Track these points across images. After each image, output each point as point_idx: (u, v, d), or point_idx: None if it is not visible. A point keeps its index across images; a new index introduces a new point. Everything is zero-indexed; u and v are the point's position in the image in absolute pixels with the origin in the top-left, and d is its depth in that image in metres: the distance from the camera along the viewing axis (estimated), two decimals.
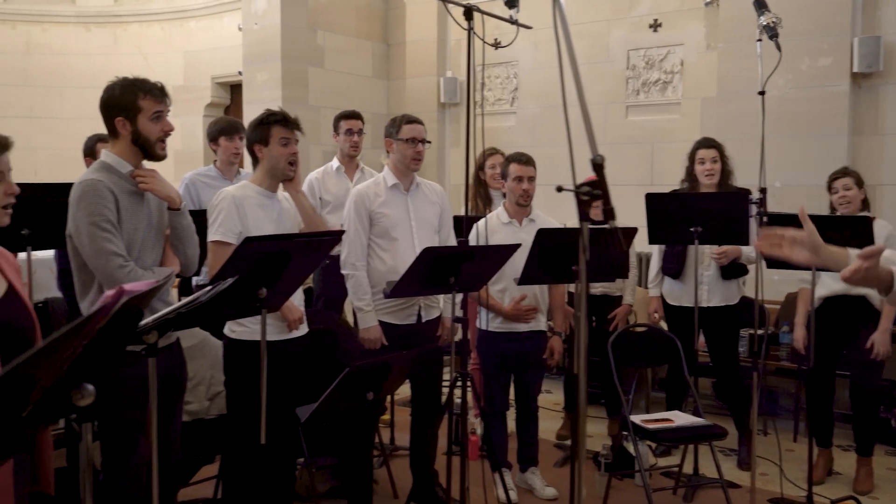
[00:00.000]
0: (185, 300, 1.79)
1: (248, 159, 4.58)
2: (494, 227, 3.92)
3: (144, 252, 2.63)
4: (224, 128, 4.46)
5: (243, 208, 3.07)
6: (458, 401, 4.70)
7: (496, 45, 3.84)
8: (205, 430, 3.50)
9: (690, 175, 4.47)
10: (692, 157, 4.46)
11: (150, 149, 2.62)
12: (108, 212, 2.49)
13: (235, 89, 8.26)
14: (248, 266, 2.35)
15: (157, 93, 2.61)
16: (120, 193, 2.55)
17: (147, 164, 2.70)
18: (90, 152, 4.36)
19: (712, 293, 4.42)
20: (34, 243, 3.28)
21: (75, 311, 3.54)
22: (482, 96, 3.30)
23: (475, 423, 4.73)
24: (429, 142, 3.67)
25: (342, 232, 3.00)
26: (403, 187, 3.63)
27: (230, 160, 4.48)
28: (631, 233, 3.72)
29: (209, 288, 1.91)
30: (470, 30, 3.00)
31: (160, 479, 2.03)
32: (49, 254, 3.81)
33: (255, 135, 3.16)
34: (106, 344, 1.23)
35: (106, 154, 2.65)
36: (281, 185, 3.24)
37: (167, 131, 2.63)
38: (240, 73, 7.33)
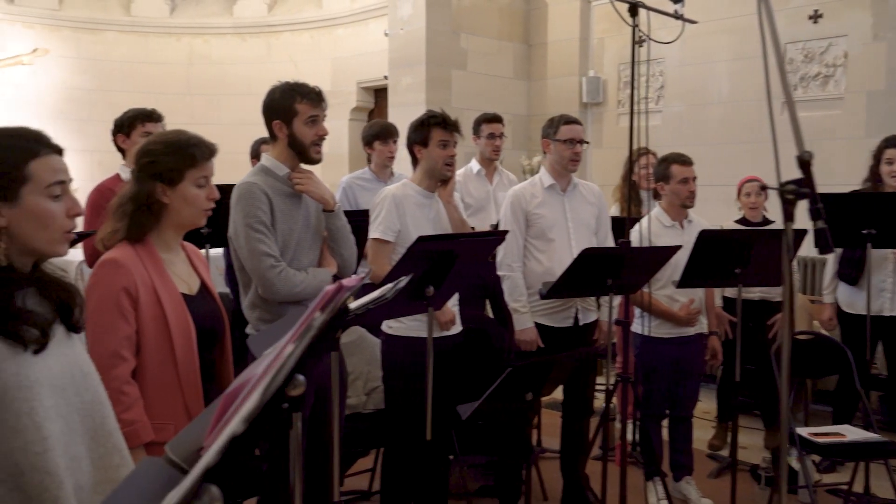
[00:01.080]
0: (370, 296, 1.84)
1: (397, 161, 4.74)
2: (657, 231, 3.80)
3: (300, 253, 2.70)
4: (379, 132, 4.57)
5: (403, 207, 3.15)
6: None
7: (641, 41, 3.74)
8: (362, 423, 3.60)
9: (874, 174, 4.17)
10: (878, 156, 4.17)
11: (304, 152, 2.69)
12: (261, 213, 2.57)
13: (380, 93, 8.49)
14: (420, 264, 2.40)
15: (314, 97, 2.68)
16: (275, 195, 2.63)
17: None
18: (256, 154, 4.59)
19: None
20: (212, 241, 3.48)
21: (239, 308, 3.74)
22: (640, 94, 3.19)
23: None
24: (587, 142, 3.62)
25: (506, 232, 3.01)
26: (560, 188, 3.60)
27: (384, 163, 4.58)
28: (801, 235, 3.53)
29: (390, 285, 1.96)
30: (635, 27, 2.93)
31: (320, 470, 2.10)
32: (219, 251, 4.04)
33: (415, 136, 3.22)
34: (321, 337, 1.28)
35: (265, 157, 2.75)
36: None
37: (321, 135, 2.69)
38: (385, 77, 7.52)
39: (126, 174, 3.55)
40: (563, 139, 3.53)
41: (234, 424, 0.57)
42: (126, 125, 3.60)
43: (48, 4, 8.44)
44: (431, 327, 2.60)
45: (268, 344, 1.88)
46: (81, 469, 1.47)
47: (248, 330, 2.71)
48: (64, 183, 1.47)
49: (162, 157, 2.04)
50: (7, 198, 1.41)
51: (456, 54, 7.32)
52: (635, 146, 3.43)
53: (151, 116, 3.64)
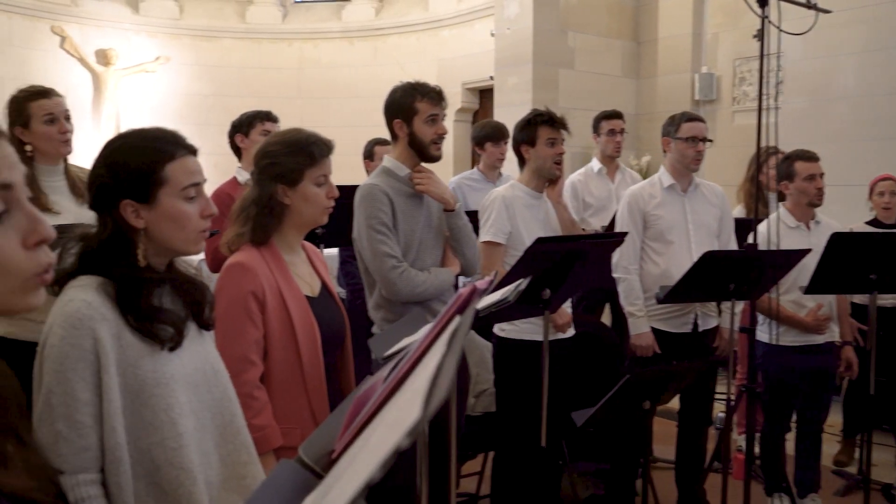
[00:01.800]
0: (492, 299, 1.80)
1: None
2: (781, 233, 3.60)
3: (423, 253, 2.69)
4: (490, 133, 4.54)
5: (512, 208, 3.11)
6: (721, 415, 4.44)
7: (762, 34, 3.55)
8: (470, 426, 3.57)
9: None
10: None
11: (424, 150, 2.68)
12: (382, 215, 2.58)
13: (484, 94, 8.46)
14: (538, 266, 2.34)
15: (434, 96, 2.68)
16: (396, 196, 2.63)
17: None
18: (369, 155, 4.66)
19: None
20: (327, 241, 3.53)
21: (353, 308, 3.78)
22: (761, 90, 3.02)
23: (739, 441, 4.42)
24: (710, 140, 3.46)
25: (625, 234, 2.92)
26: (681, 188, 3.46)
27: (494, 164, 4.56)
28: None
29: (510, 287, 1.91)
30: (764, 18, 2.78)
31: (437, 472, 2.06)
32: (333, 251, 4.10)
33: (521, 135, 3.18)
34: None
35: (386, 158, 2.77)
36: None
37: (441, 134, 2.69)
38: (491, 77, 7.48)
39: (242, 176, 3.65)
40: (684, 137, 3.39)
41: (398, 438, 0.53)
42: (245, 125, 3.71)
43: (170, 14, 8.84)
44: (547, 331, 2.54)
45: (388, 345, 1.86)
46: (211, 465, 1.49)
47: (374, 329, 2.74)
48: (198, 184, 1.49)
49: (281, 158, 2.05)
50: (145, 200, 1.44)
51: (563, 53, 7.20)
52: (756, 144, 3.25)
53: (269, 116, 3.75)
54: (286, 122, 3.84)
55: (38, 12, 8.01)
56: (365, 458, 0.64)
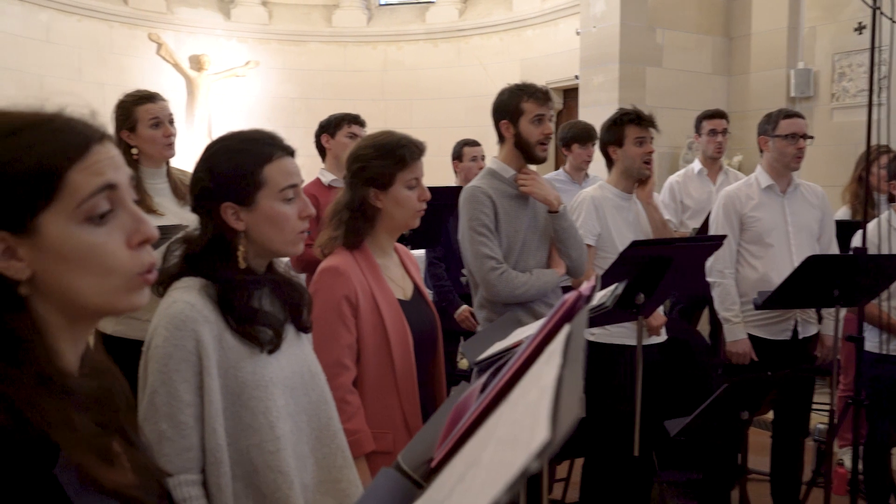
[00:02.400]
0: (589, 304, 1.75)
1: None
2: (886, 237, 3.42)
3: (526, 254, 2.67)
4: (578, 134, 4.47)
5: (602, 210, 3.05)
6: (820, 426, 4.24)
7: (863, 27, 3.37)
8: None
9: None
10: None
11: (530, 151, 2.67)
12: (484, 217, 2.58)
13: (568, 94, 8.35)
14: (632, 270, 2.28)
15: (540, 96, 2.66)
16: (500, 198, 2.63)
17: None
18: (458, 155, 4.67)
19: None
20: (413, 243, 3.53)
21: (438, 310, 3.77)
22: (861, 86, 2.84)
23: (840, 455, 4.22)
24: (811, 137, 3.31)
25: (723, 237, 2.81)
26: (779, 189, 3.32)
27: (581, 166, 4.49)
28: None
29: (606, 291, 1.85)
30: (876, 9, 2.62)
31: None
32: (420, 252, 4.11)
33: (608, 136, 3.11)
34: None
35: (492, 160, 2.77)
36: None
37: (547, 134, 2.67)
38: (576, 77, 7.38)
39: (326, 178, 3.69)
40: (783, 135, 3.24)
41: (525, 459, 0.50)
42: (332, 126, 3.75)
43: (260, 20, 9.06)
44: (641, 336, 2.47)
45: (481, 348, 1.84)
46: (307, 468, 1.50)
47: (478, 329, 2.76)
48: (296, 185, 1.50)
49: (372, 162, 2.04)
50: (245, 202, 1.46)
51: (651, 50, 7.03)
52: (865, 142, 3.09)
53: (357, 120, 3.78)
54: (370, 124, 3.87)
55: (137, 21, 8.34)
56: (483, 478, 0.61)
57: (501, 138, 2.73)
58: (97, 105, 0.93)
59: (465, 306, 4.06)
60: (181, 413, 1.37)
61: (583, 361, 0.66)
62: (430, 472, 1.10)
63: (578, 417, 0.50)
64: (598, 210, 3.04)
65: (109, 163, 0.87)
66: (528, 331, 1.75)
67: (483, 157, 4.76)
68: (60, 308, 0.86)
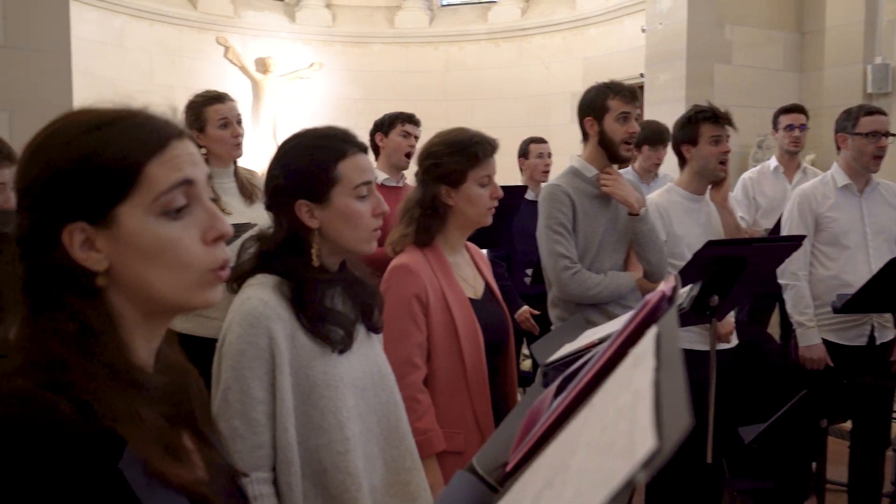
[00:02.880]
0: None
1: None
2: None
3: (602, 255, 2.64)
4: (649, 136, 4.38)
5: (668, 215, 2.95)
6: None
7: None
8: None
9: None
10: None
11: (614, 149, 2.64)
12: (561, 216, 2.56)
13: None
14: (706, 271, 2.21)
15: (627, 94, 2.63)
16: (580, 197, 2.60)
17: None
18: (524, 153, 4.65)
19: None
20: (476, 242, 3.50)
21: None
22: None
23: None
24: (893, 135, 3.16)
25: (802, 237, 2.71)
26: (857, 188, 3.19)
27: (650, 168, 4.41)
28: None
29: (681, 293, 1.79)
30: None
31: None
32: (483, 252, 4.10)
33: (682, 134, 3.01)
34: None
35: (574, 158, 2.75)
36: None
37: (632, 133, 2.63)
38: (640, 75, 7.25)
39: (378, 177, 3.69)
40: (864, 132, 3.11)
41: (629, 469, 0.47)
42: (386, 124, 3.75)
43: (324, 22, 9.16)
44: (715, 340, 2.39)
45: (550, 350, 1.80)
46: (376, 470, 1.48)
47: (553, 328, 2.73)
48: (370, 182, 1.49)
49: (444, 159, 2.03)
50: (319, 200, 1.45)
51: (719, 47, 6.86)
52: None
53: (411, 119, 3.77)
54: (432, 125, 3.85)
55: (205, 25, 8.53)
56: (577, 485, 0.58)
57: (585, 136, 2.72)
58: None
59: (525, 307, 4.02)
60: (254, 410, 1.37)
61: (682, 366, 0.62)
62: (506, 477, 1.08)
63: (689, 427, 0.47)
64: (663, 216, 2.96)
65: (188, 159, 0.88)
66: (599, 332, 1.71)
67: (549, 155, 4.72)
68: (135, 302, 0.87)
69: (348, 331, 1.44)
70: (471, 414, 1.94)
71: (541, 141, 4.67)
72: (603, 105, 2.62)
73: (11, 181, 2.13)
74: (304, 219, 1.46)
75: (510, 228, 3.92)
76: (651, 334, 0.90)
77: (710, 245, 2.27)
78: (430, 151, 2.07)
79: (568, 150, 8.09)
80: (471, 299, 2.02)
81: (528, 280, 4.19)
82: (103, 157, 0.83)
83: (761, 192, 4.31)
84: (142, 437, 0.80)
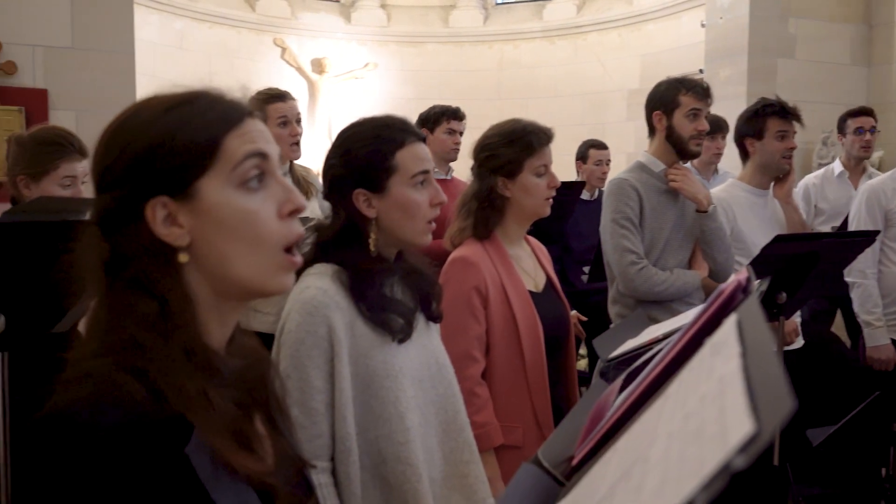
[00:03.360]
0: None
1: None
2: None
3: (668, 252, 2.58)
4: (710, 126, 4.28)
5: (731, 211, 2.88)
6: None
7: None
8: None
9: None
10: None
11: (682, 145, 2.58)
12: (628, 210, 2.51)
13: None
14: (774, 267, 2.13)
15: (699, 91, 2.58)
16: (648, 192, 2.56)
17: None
18: (582, 156, 4.59)
19: None
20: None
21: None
22: None
23: None
24: None
25: (876, 232, 2.60)
26: None
27: (710, 160, 4.30)
28: None
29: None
30: None
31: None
32: None
33: (747, 127, 2.93)
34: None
35: (643, 154, 2.71)
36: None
37: (701, 130, 2.58)
38: (700, 70, 7.10)
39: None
40: None
41: (724, 455, 0.44)
42: (431, 120, 3.73)
43: (378, 22, 9.22)
44: (782, 339, 2.31)
45: (612, 346, 1.76)
46: (434, 462, 1.47)
47: (612, 325, 2.69)
48: (427, 172, 1.47)
49: (499, 150, 2.02)
50: (377, 189, 1.44)
51: (783, 41, 6.68)
52: None
53: (456, 114, 3.74)
54: (485, 125, 3.80)
55: (263, 27, 8.66)
56: (661, 475, 0.55)
57: (652, 131, 2.67)
58: None
59: (573, 312, 3.94)
60: (312, 399, 1.37)
61: (774, 350, 0.59)
62: (572, 471, 1.05)
63: (793, 410, 0.44)
64: (726, 212, 2.88)
65: (260, 135, 0.90)
66: (661, 328, 1.66)
67: (608, 162, 4.63)
68: (212, 281, 0.88)
69: (408, 319, 1.43)
70: (529, 408, 1.91)
71: (601, 146, 4.59)
72: (674, 100, 2.57)
73: (82, 175, 2.18)
74: (362, 208, 1.45)
75: (564, 227, 3.87)
76: (730, 322, 0.86)
77: (779, 240, 2.19)
78: (485, 143, 2.05)
79: (623, 148, 7.99)
80: (531, 292, 1.99)
81: (585, 278, 4.13)
82: (183, 133, 0.85)
83: (823, 197, 4.16)
84: (210, 424, 0.80)
